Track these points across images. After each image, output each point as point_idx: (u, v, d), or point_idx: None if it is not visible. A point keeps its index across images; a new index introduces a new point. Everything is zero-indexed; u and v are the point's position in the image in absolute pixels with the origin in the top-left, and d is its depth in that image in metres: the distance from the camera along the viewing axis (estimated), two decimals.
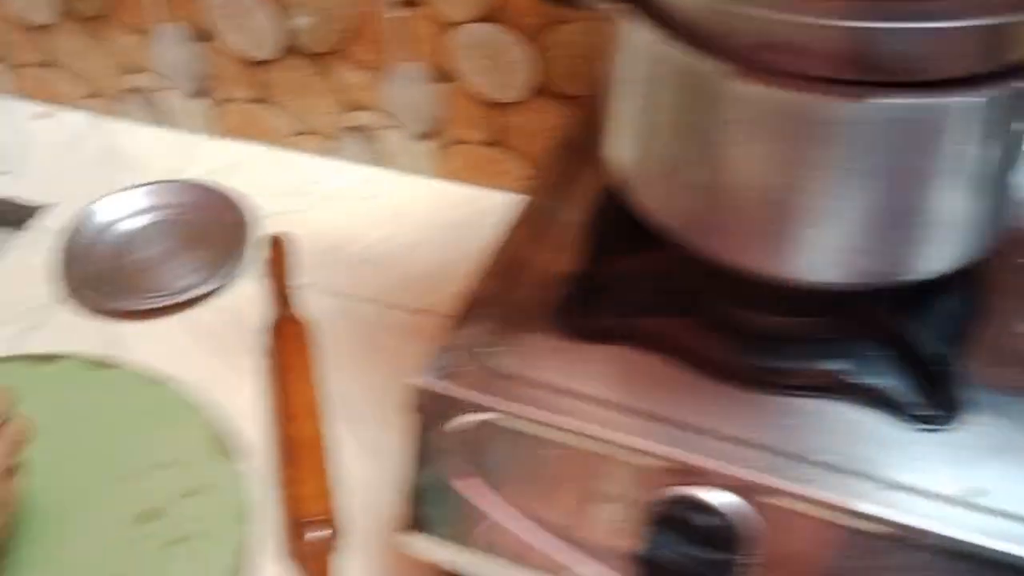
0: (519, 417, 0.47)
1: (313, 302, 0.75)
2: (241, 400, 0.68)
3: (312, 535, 0.57)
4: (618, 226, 0.55)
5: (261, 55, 0.83)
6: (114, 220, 0.81)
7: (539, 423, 0.47)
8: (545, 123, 0.77)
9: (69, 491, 0.62)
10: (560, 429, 0.47)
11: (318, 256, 0.79)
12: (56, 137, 0.93)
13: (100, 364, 0.70)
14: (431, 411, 0.50)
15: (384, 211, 0.83)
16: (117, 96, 0.92)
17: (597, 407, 0.48)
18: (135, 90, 0.91)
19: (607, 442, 0.46)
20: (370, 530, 0.61)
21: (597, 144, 0.63)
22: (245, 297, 0.76)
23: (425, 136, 0.83)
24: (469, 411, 0.48)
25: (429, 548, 0.53)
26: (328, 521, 0.58)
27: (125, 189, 0.83)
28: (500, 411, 0.48)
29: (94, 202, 0.81)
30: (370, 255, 0.79)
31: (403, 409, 0.51)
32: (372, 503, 0.62)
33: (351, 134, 0.86)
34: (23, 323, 0.75)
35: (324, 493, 0.60)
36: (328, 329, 0.73)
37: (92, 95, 0.93)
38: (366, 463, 0.65)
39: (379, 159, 0.86)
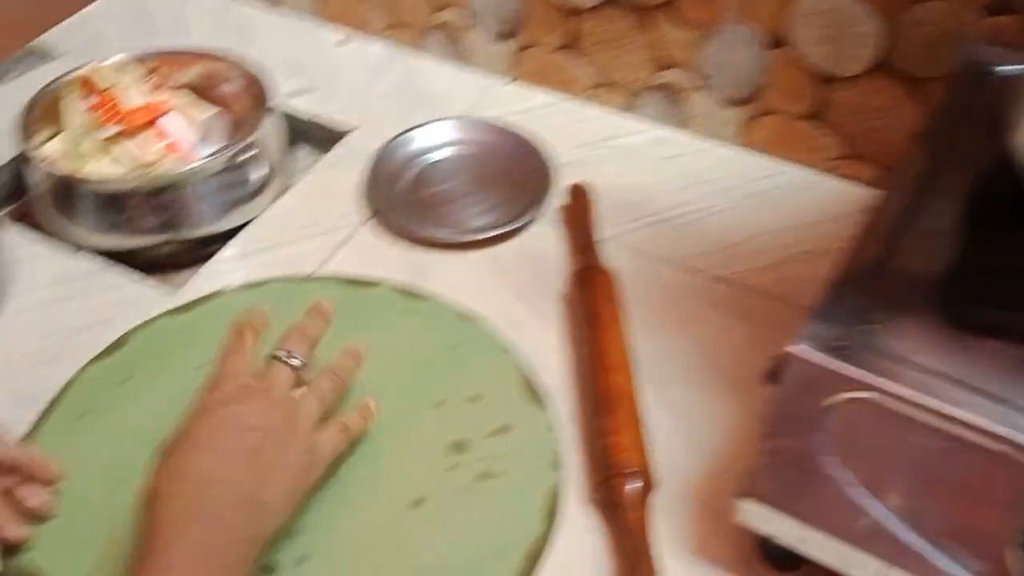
0: (906, 401, 0.45)
1: (611, 255, 0.74)
2: (540, 344, 0.68)
3: (631, 486, 0.57)
4: (1004, 218, 0.52)
5: (582, 2, 0.82)
6: (423, 150, 0.83)
7: (927, 410, 0.45)
8: (875, 102, 0.74)
9: (384, 413, 0.63)
10: (950, 419, 0.44)
11: (612, 211, 0.78)
12: (357, 63, 0.95)
13: (412, 294, 0.72)
14: (802, 382, 0.48)
15: (683, 174, 0.82)
16: (421, 30, 0.93)
17: (991, 402, 0.45)
18: (440, 26, 0.92)
19: (1005, 441, 0.44)
20: (671, 490, 0.60)
21: (960, 134, 0.60)
22: (543, 242, 0.77)
23: (736, 102, 0.81)
24: (850, 387, 0.46)
25: (766, 518, 0.51)
26: (645, 473, 0.58)
27: (434, 120, 0.84)
28: (887, 392, 0.45)
29: (409, 130, 0.83)
30: (668, 217, 0.78)
31: (767, 376, 0.49)
32: (671, 462, 0.62)
33: (655, 92, 0.84)
34: (331, 240, 0.77)
35: (640, 445, 0.59)
36: (625, 284, 0.72)
37: (395, 26, 0.95)
38: (663, 422, 0.64)
39: (680, 121, 0.84)
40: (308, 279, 0.74)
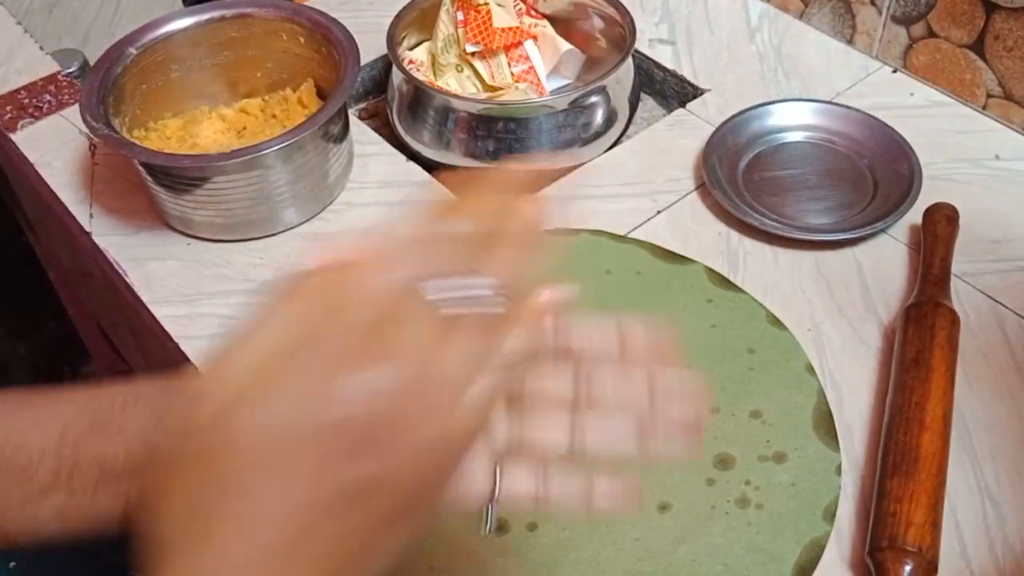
0: None
1: (958, 297, 0.65)
2: (847, 374, 0.61)
3: (907, 567, 0.49)
4: None
5: (1007, 0, 0.71)
6: (775, 128, 0.76)
7: None
8: None
9: None
10: None
11: (970, 245, 0.68)
12: (729, 21, 0.89)
13: (725, 281, 0.67)
14: None
15: None
16: None
17: None
18: None
19: None
20: None
21: None
22: (881, 261, 0.68)
23: None
24: None
25: None
26: (928, 556, 0.50)
27: (796, 99, 0.77)
28: None
29: (766, 104, 0.76)
30: None
31: None
32: (960, 551, 0.53)
33: None
34: (652, 203, 0.73)
35: (932, 522, 0.51)
36: (966, 333, 0.62)
37: None
38: (966, 501, 0.55)
39: None
40: (622, 239, 0.71)
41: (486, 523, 0.38)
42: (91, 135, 0.73)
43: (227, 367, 0.31)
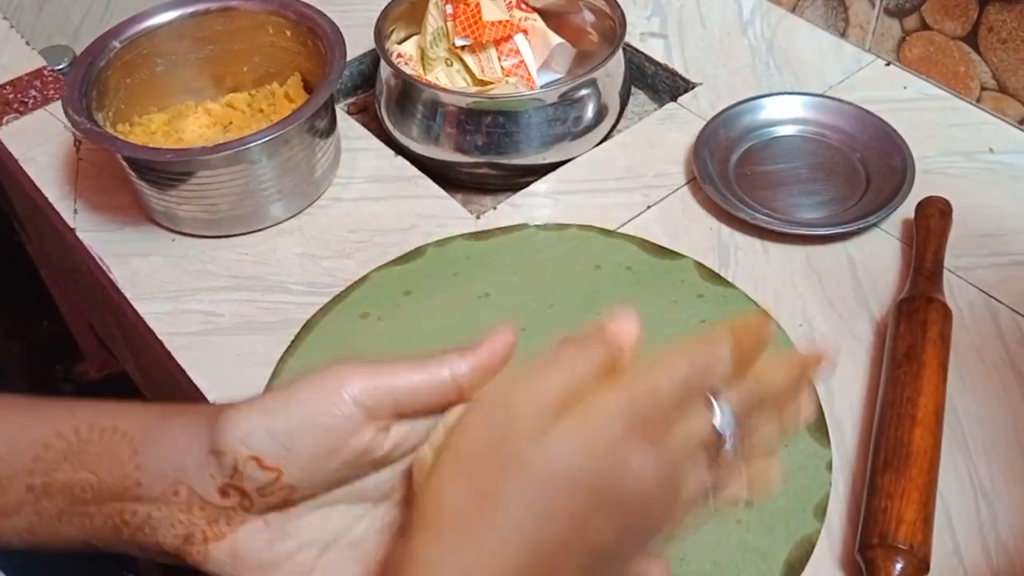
0: None
1: (951, 291, 0.64)
2: (838, 369, 0.61)
3: (898, 565, 0.49)
4: None
5: None
6: (766, 122, 0.75)
7: None
8: None
9: None
10: None
11: (964, 239, 0.67)
12: (722, 15, 0.88)
13: (715, 276, 0.66)
14: None
15: None
16: None
17: None
18: None
19: None
20: None
21: None
22: (873, 256, 0.67)
23: None
24: None
25: None
26: (919, 553, 0.49)
27: (788, 92, 0.77)
28: None
29: (757, 97, 0.76)
30: None
31: None
32: (952, 549, 0.52)
33: None
34: (643, 198, 0.72)
35: (923, 519, 0.50)
36: (959, 328, 0.62)
37: None
38: (959, 498, 0.54)
39: None
40: (611, 234, 0.70)
41: None
42: (74, 130, 0.72)
43: (531, 391, 0.33)
